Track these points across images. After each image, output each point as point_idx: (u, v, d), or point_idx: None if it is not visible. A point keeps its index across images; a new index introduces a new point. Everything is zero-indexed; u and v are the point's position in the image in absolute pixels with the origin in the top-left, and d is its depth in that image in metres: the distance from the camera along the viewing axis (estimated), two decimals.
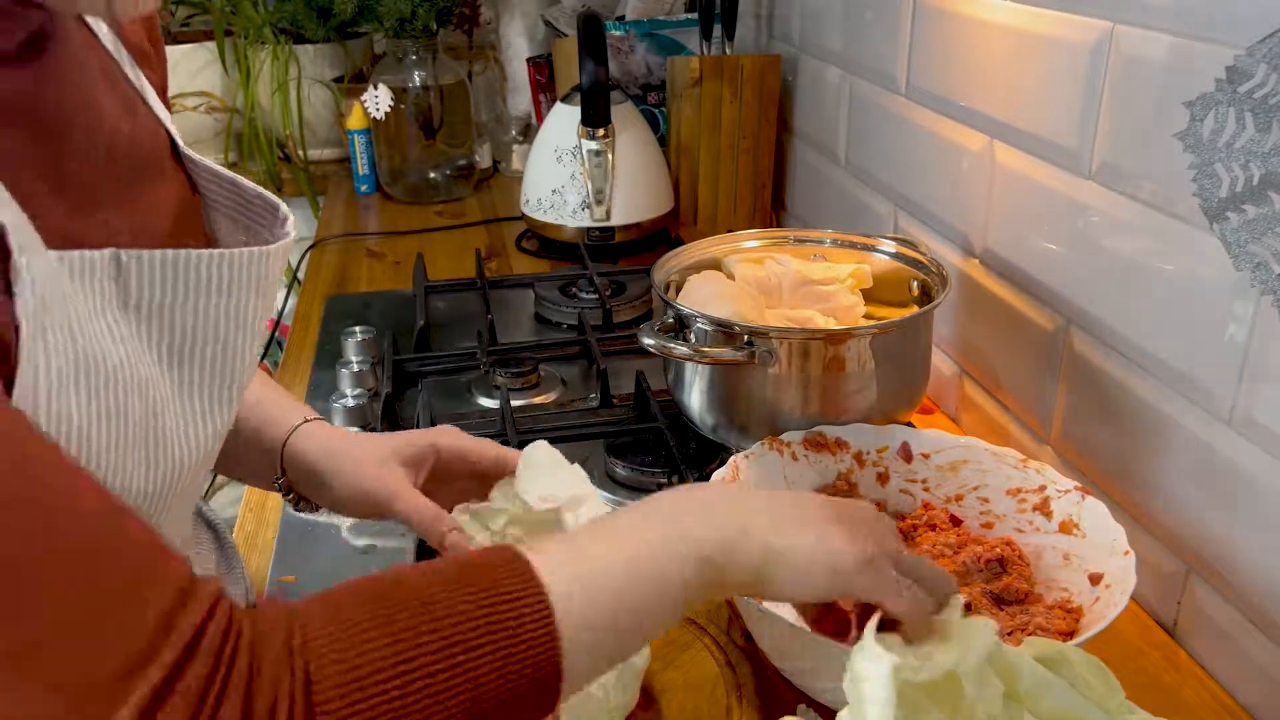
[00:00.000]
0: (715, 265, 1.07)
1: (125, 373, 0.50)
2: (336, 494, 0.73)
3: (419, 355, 1.23)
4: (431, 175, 1.92)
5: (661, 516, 0.55)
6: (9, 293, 0.45)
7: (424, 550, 0.85)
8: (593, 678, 0.53)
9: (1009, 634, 0.71)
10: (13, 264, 0.45)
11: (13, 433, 0.41)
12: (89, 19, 0.60)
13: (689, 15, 1.84)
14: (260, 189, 0.64)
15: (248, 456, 0.76)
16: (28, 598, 0.38)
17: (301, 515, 0.94)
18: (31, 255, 0.45)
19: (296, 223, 0.64)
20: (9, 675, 0.38)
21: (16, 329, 0.45)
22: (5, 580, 0.38)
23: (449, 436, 0.76)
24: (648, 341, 0.89)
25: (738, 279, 1.05)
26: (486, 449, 0.75)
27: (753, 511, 0.56)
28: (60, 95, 0.53)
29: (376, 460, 0.73)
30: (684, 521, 0.54)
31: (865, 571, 0.55)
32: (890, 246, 1.07)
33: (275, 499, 0.97)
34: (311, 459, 0.74)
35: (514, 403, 1.12)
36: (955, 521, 0.84)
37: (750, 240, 1.11)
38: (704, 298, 0.98)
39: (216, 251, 0.55)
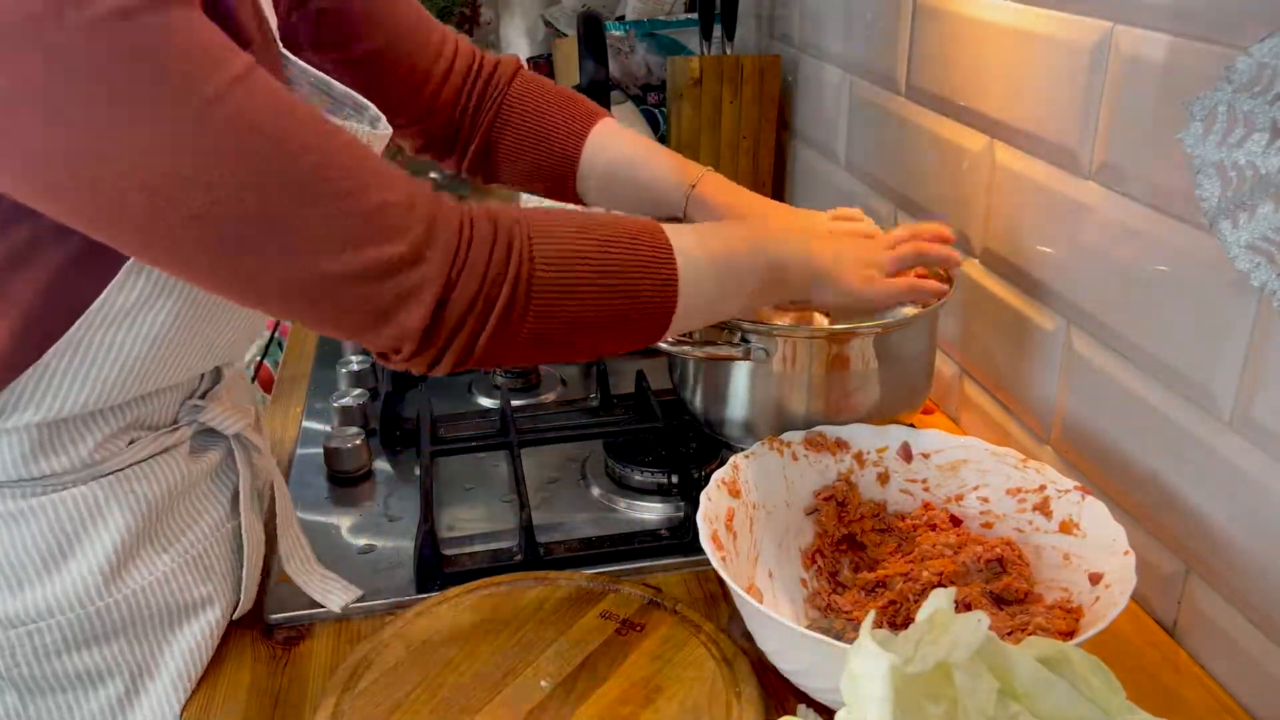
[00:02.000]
0: None
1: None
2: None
3: None
4: (432, 175, 1.92)
5: (754, 236, 0.80)
6: None
7: (424, 553, 0.85)
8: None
9: (1009, 634, 0.71)
10: None
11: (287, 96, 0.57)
12: None
13: (689, 15, 1.84)
14: (348, 89, 0.71)
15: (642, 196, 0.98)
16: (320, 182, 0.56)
17: (301, 515, 0.94)
18: None
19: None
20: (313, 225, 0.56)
21: None
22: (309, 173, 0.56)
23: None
24: None
25: None
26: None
27: (814, 243, 0.84)
28: None
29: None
30: (767, 243, 0.81)
31: (870, 290, 0.85)
32: None
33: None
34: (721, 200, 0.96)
35: (514, 402, 1.12)
36: (955, 521, 0.84)
37: None
38: None
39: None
